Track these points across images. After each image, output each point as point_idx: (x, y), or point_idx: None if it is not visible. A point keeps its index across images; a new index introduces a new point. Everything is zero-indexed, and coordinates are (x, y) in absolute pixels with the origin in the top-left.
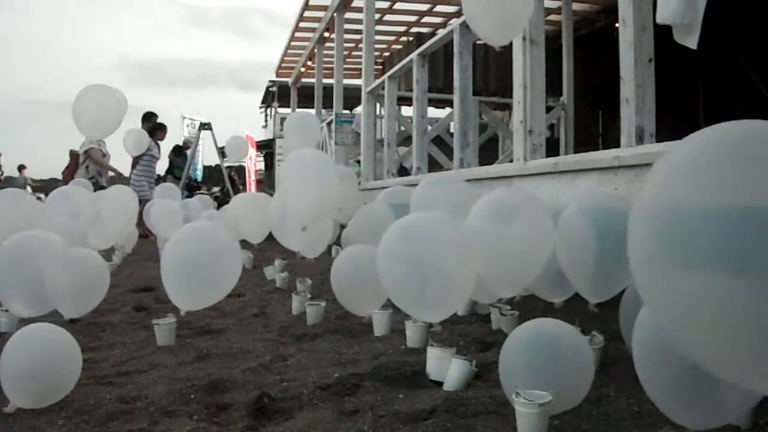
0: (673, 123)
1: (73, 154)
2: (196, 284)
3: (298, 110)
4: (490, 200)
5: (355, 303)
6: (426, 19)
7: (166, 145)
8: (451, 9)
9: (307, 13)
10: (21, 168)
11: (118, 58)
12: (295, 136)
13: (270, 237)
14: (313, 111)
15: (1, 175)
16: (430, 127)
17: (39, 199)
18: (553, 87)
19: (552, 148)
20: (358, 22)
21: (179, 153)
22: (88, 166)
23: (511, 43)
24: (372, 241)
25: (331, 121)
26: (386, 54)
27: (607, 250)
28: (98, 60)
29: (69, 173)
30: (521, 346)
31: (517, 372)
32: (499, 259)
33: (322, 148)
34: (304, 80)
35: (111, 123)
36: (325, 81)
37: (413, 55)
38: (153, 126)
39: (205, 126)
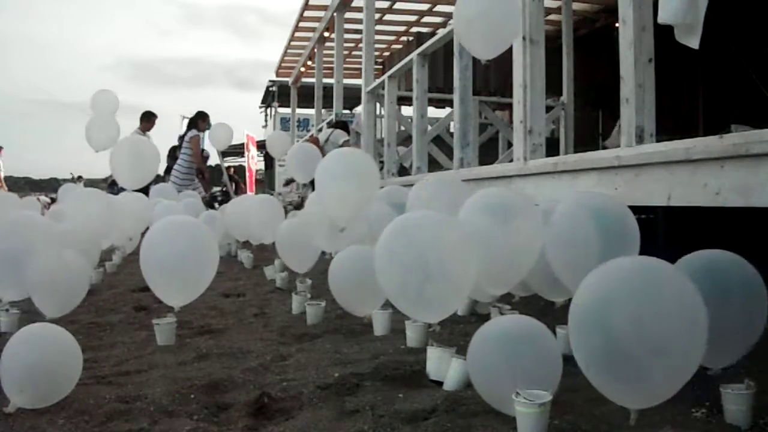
0: (673, 123)
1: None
2: (177, 280)
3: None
4: (480, 199)
5: (354, 303)
6: (426, 19)
7: (164, 146)
8: (451, 9)
9: (307, 13)
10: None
11: (115, 58)
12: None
13: None
14: (312, 111)
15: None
16: (430, 127)
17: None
18: (553, 87)
19: (552, 148)
20: (358, 22)
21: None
22: None
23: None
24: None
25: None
26: (386, 54)
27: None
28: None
29: None
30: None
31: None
32: (490, 256)
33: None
34: (304, 80)
35: None
36: (325, 81)
37: (413, 55)
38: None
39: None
